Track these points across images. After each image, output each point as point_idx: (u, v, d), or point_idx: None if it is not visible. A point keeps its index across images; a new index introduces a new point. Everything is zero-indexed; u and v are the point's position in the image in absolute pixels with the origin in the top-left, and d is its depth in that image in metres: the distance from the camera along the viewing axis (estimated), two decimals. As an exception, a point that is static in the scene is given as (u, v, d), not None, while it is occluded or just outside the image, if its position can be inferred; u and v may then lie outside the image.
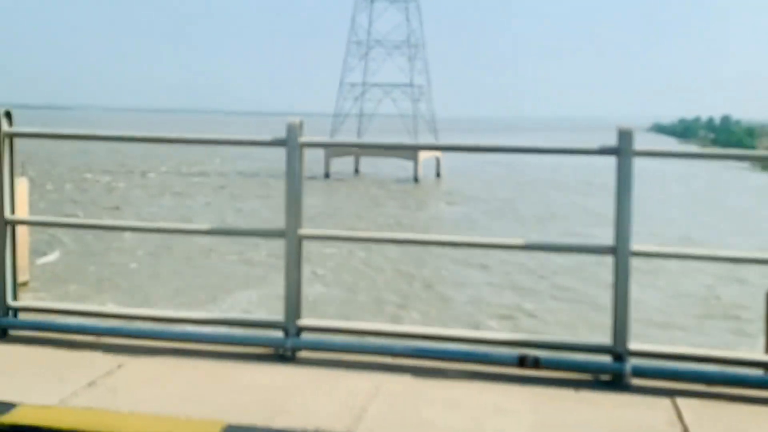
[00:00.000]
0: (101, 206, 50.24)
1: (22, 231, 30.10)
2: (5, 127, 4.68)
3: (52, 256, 33.36)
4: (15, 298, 4.79)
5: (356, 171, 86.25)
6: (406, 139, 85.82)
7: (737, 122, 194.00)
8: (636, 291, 4.39)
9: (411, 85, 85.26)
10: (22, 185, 32.03)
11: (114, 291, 29.20)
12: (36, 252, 32.90)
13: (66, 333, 4.70)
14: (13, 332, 4.65)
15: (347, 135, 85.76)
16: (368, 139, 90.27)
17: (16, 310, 4.78)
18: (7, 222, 4.79)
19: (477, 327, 26.54)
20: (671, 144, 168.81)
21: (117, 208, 50.25)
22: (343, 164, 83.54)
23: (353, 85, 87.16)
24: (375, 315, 28.44)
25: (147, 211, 48.99)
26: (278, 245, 4.83)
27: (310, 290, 31.59)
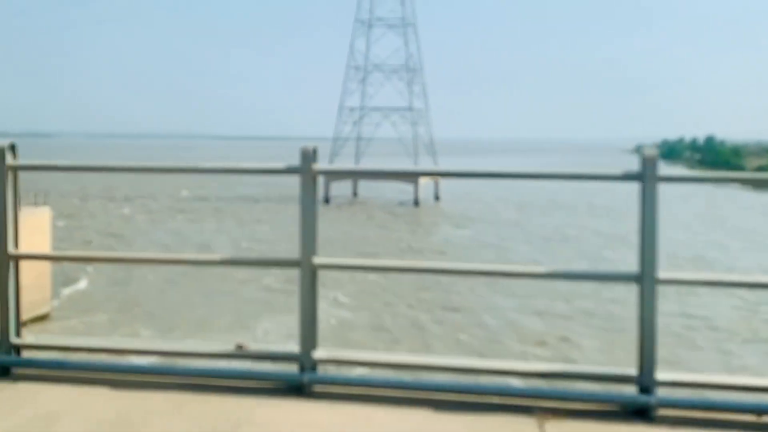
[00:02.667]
0: (114, 234, 49.90)
1: (43, 263, 29.52)
2: (9, 160, 4.58)
3: (81, 284, 33.11)
4: (18, 335, 4.63)
5: (354, 194, 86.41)
6: (406, 162, 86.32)
7: (722, 142, 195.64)
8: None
9: (410, 108, 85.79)
10: (44, 215, 31.78)
11: (140, 321, 28.99)
12: (65, 280, 32.70)
13: (69, 370, 4.57)
14: (16, 370, 4.51)
15: (346, 158, 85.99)
16: (368, 162, 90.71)
17: (18, 348, 4.62)
18: (10, 257, 4.65)
19: (506, 354, 26.57)
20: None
21: (119, 235, 49.93)
22: (341, 188, 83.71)
23: (352, 109, 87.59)
24: (406, 342, 28.39)
25: (158, 239, 48.77)
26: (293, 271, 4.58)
27: (335, 315, 31.53)
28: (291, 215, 66.65)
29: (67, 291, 32.15)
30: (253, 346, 4.58)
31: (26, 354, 4.69)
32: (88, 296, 31.80)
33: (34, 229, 30.12)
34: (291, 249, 4.77)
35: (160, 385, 4.38)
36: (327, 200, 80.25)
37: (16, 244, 4.67)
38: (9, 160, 4.60)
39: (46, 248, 30.80)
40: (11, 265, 4.64)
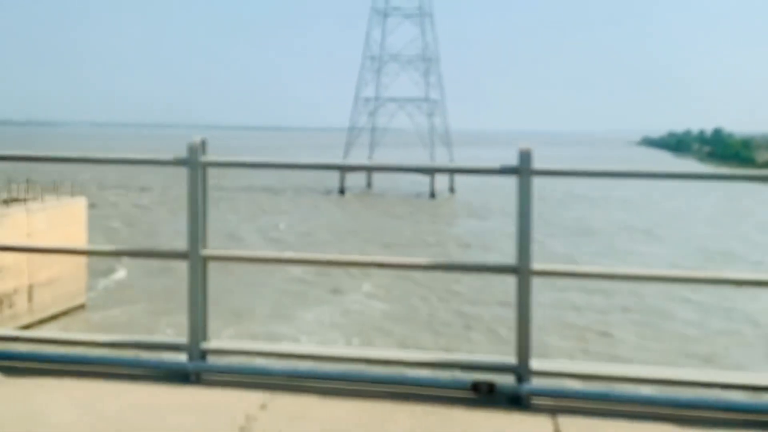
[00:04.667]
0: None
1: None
2: (202, 157, 4.47)
3: (119, 274, 33.01)
4: (205, 338, 4.64)
5: (368, 185, 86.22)
6: (421, 153, 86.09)
7: (730, 135, 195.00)
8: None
9: (426, 99, 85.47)
10: (81, 205, 31.64)
11: (175, 314, 28.84)
12: (103, 270, 32.64)
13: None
14: (208, 376, 4.51)
15: (362, 149, 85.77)
16: (382, 153, 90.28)
17: (205, 352, 4.60)
18: (203, 258, 4.59)
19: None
20: (666, 158, 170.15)
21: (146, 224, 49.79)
22: (355, 178, 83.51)
23: (367, 99, 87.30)
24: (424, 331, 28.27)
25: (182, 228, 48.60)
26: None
27: (372, 306, 31.44)
28: (309, 206, 66.67)
29: (105, 281, 32.05)
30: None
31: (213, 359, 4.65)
32: (126, 286, 31.70)
33: (72, 220, 30.03)
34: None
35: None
36: (342, 191, 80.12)
37: (205, 245, 4.58)
38: (202, 156, 4.45)
39: (83, 238, 30.70)
40: (201, 265, 4.55)
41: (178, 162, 4.48)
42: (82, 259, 30.03)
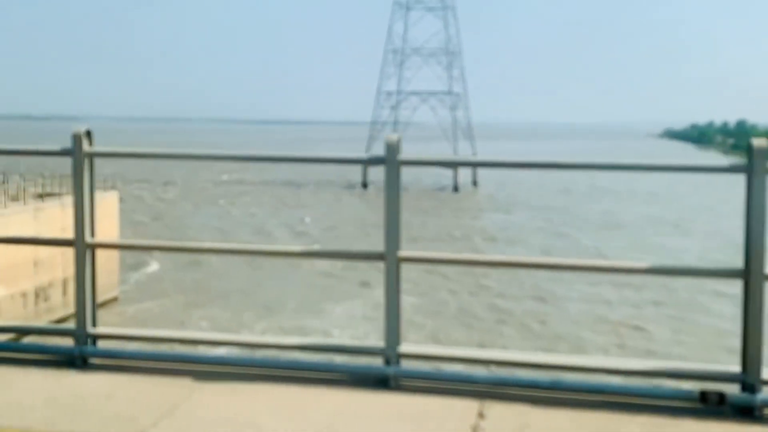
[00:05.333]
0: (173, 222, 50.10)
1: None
2: (86, 147, 4.51)
3: (152, 267, 33.25)
4: (94, 324, 4.62)
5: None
6: (444, 147, 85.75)
7: (753, 126, 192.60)
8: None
9: (449, 92, 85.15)
10: (113, 199, 31.87)
11: (212, 305, 29.01)
12: (135, 264, 32.82)
13: (144, 361, 4.52)
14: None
15: (382, 142, 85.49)
16: (402, 145, 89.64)
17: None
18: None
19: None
20: (689, 151, 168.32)
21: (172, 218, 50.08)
22: (377, 172, 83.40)
23: (390, 93, 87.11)
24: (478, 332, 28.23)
25: (209, 223, 48.87)
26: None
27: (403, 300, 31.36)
28: (332, 200, 66.70)
29: (137, 275, 32.27)
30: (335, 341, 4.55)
31: (102, 344, 4.67)
32: (159, 280, 31.91)
33: (105, 214, 30.26)
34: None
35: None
36: (365, 185, 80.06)
37: (92, 233, 4.63)
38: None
39: (115, 233, 30.93)
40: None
41: (63, 153, 4.52)
42: (115, 253, 30.21)
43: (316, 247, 26.34)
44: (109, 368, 4.41)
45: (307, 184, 79.67)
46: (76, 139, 4.48)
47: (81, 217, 4.57)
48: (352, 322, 27.99)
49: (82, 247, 4.58)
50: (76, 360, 4.48)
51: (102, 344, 4.63)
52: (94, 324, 4.61)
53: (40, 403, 3.85)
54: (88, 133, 4.54)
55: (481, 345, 24.55)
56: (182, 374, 4.28)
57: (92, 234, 4.63)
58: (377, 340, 4.45)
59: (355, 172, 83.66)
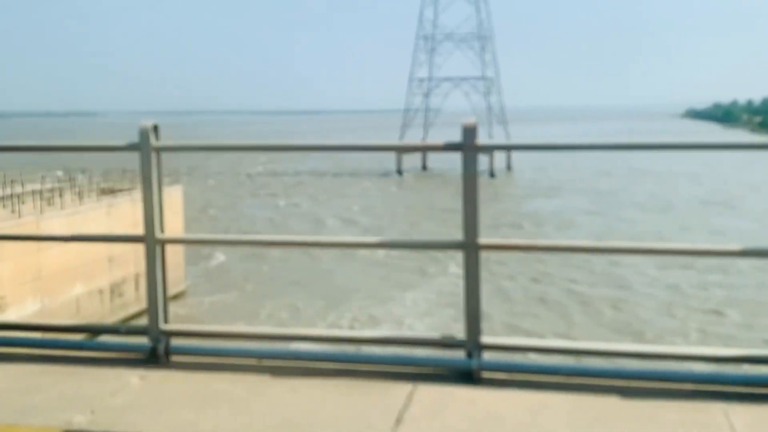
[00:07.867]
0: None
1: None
2: (154, 142, 4.42)
3: (220, 258, 33.47)
4: (166, 321, 4.58)
5: (424, 167, 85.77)
6: (480, 132, 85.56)
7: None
8: None
9: (482, 78, 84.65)
10: (178, 193, 32.02)
11: (283, 295, 29.08)
12: (200, 256, 33.01)
13: (226, 357, 4.49)
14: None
15: (417, 129, 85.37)
16: (435, 131, 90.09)
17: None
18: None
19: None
20: (714, 130, 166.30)
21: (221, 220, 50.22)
22: (410, 159, 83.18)
23: (422, 79, 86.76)
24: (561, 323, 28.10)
25: (258, 215, 49.07)
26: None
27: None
28: (373, 188, 66.67)
29: (203, 267, 32.45)
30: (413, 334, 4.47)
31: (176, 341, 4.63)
32: (224, 271, 32.08)
33: (171, 208, 30.45)
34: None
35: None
36: (400, 172, 79.96)
37: (162, 229, 4.57)
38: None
39: (180, 227, 31.09)
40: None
41: (130, 147, 4.46)
42: (180, 246, 30.41)
43: (390, 237, 25.98)
44: (187, 366, 4.39)
45: (341, 173, 79.68)
46: (144, 133, 4.40)
47: (150, 213, 4.50)
48: (428, 309, 27.97)
49: (152, 244, 4.52)
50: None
51: (176, 342, 4.59)
52: (166, 321, 4.58)
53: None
54: (155, 128, 4.46)
55: (559, 335, 24.45)
56: (260, 371, 4.26)
57: (162, 230, 4.56)
58: (450, 330, 4.36)
59: (388, 160, 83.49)
